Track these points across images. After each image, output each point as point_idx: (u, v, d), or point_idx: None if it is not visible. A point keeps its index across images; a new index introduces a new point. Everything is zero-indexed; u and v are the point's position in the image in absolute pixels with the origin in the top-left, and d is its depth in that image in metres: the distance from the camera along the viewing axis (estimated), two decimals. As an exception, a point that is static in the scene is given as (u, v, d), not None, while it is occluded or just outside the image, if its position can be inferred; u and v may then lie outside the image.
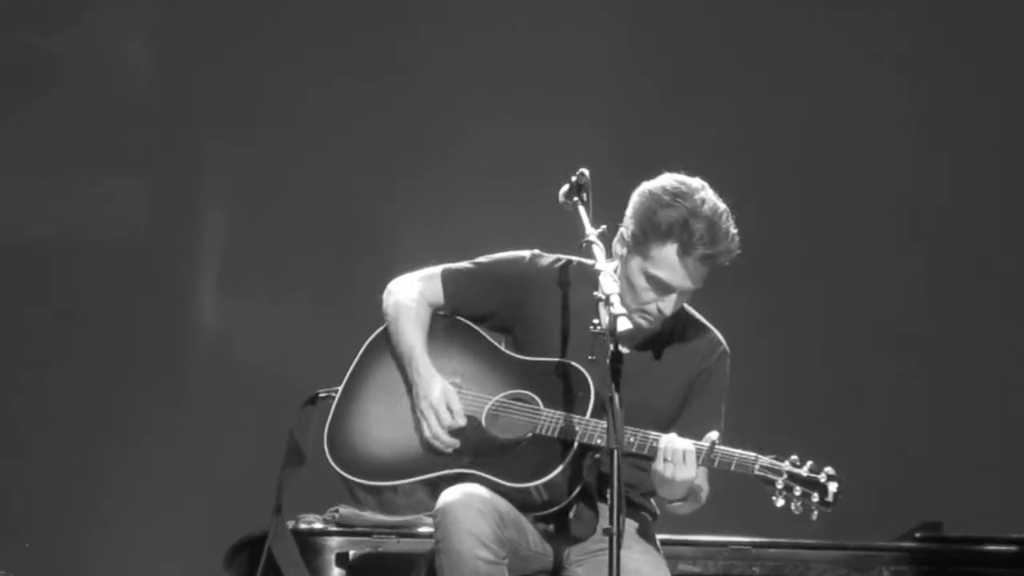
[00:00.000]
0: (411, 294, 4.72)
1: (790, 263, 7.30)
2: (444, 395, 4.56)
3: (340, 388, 4.71)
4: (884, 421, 7.17)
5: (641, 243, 4.53)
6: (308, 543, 5.30)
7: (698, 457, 4.37)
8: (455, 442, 4.53)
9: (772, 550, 5.57)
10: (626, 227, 4.58)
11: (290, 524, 5.26)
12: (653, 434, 4.40)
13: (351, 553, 5.32)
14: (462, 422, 4.54)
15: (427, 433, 4.54)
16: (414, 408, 4.61)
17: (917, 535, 5.73)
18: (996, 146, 7.39)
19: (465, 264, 4.77)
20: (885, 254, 7.40)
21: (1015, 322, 7.33)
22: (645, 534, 4.68)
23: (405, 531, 5.21)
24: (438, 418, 4.53)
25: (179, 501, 6.91)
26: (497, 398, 4.58)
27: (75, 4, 7.26)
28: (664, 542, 4.79)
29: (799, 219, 7.33)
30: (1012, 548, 5.68)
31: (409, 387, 4.65)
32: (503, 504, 4.42)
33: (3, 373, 7.00)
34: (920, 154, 7.39)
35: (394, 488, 4.55)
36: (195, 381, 7.16)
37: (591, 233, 4.47)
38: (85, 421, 7.02)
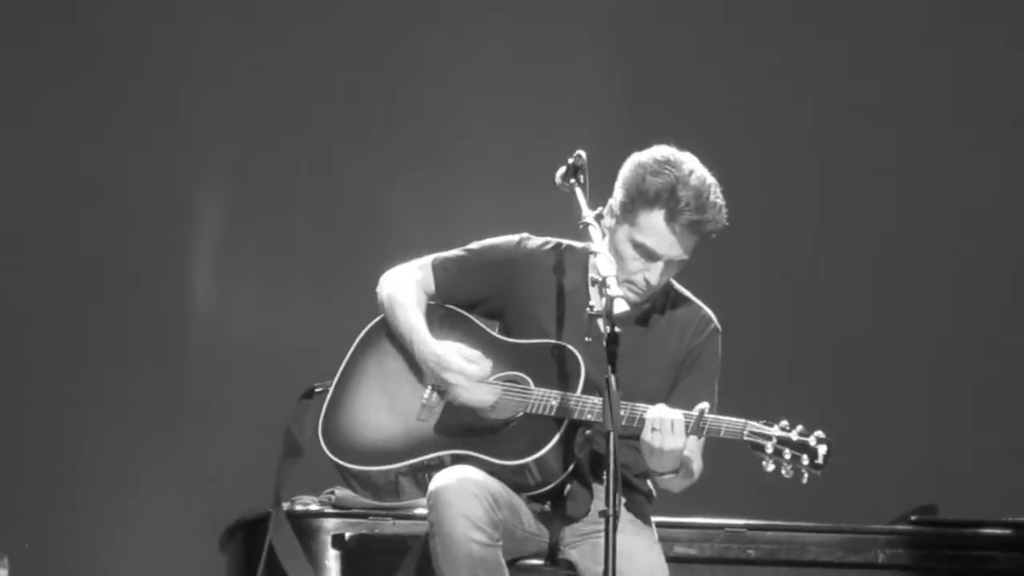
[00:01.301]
0: (406, 282, 4.73)
1: (790, 244, 7.31)
2: (459, 354, 4.57)
3: (335, 379, 4.72)
4: (879, 405, 7.18)
5: (628, 210, 4.55)
6: (304, 525, 5.30)
7: (687, 426, 4.36)
8: (496, 389, 4.53)
9: (768, 533, 5.57)
10: (615, 197, 4.60)
11: (286, 506, 5.27)
12: (642, 406, 4.40)
13: (347, 535, 5.31)
14: (488, 366, 4.54)
15: (463, 396, 4.53)
16: (414, 390, 4.63)
17: (912, 518, 5.72)
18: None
19: (455, 252, 4.78)
20: (887, 240, 7.41)
21: (1012, 307, 7.34)
22: (640, 516, 4.68)
23: (401, 513, 5.21)
24: (464, 375, 4.54)
25: (176, 488, 6.92)
26: (489, 380, 4.59)
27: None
28: (659, 524, 4.79)
29: (805, 200, 7.34)
30: (1007, 531, 5.68)
31: (411, 369, 4.67)
32: (497, 486, 4.43)
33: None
34: (910, 142, 7.41)
35: (388, 472, 4.56)
36: (192, 369, 7.17)
37: (588, 215, 4.48)
38: (80, 409, 7.03)
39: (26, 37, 7.18)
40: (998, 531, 5.69)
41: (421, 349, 4.62)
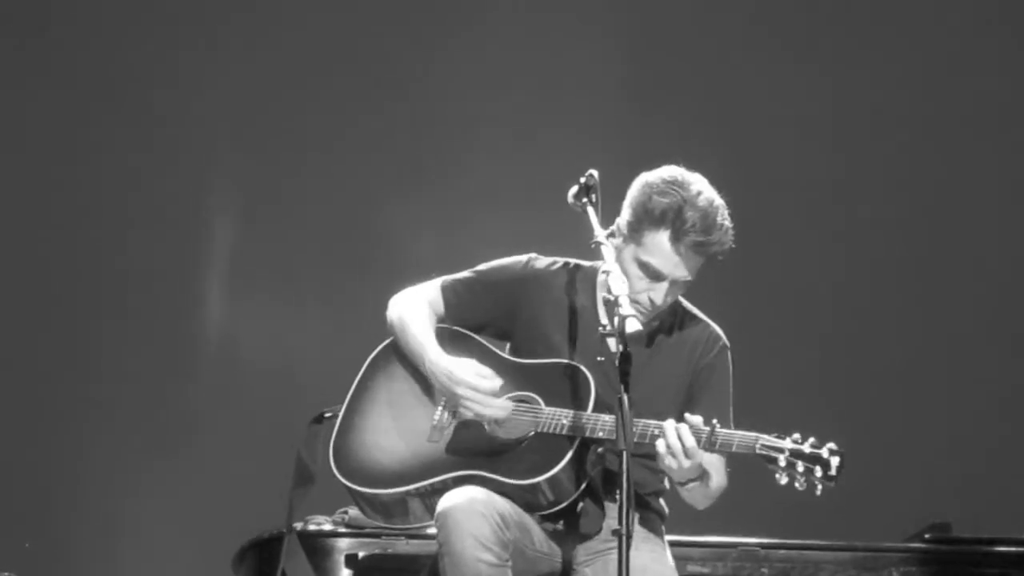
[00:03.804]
0: (416, 303, 4.74)
1: (804, 258, 7.31)
2: (471, 370, 4.57)
3: (345, 402, 4.72)
4: (893, 422, 7.17)
5: (635, 230, 4.55)
6: (317, 544, 5.32)
7: (699, 441, 4.35)
8: (508, 405, 4.53)
9: (781, 551, 5.57)
10: (622, 216, 4.60)
11: (299, 526, 5.28)
12: (654, 423, 4.39)
13: (360, 554, 5.33)
14: (499, 383, 4.54)
15: (475, 410, 4.53)
16: (424, 411, 4.63)
17: (926, 536, 5.73)
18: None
19: (463, 274, 4.79)
20: (904, 255, 7.40)
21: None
22: (653, 534, 4.68)
23: (414, 532, 5.21)
24: (476, 390, 4.54)
25: (186, 504, 6.93)
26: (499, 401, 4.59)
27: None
28: (673, 543, 4.79)
29: (821, 213, 7.33)
30: (1021, 549, 5.68)
31: (421, 391, 4.67)
32: (506, 506, 4.42)
33: (9, 375, 7.00)
34: (909, 146, 7.41)
35: (399, 495, 4.55)
36: (203, 385, 7.18)
37: (600, 234, 4.49)
38: (92, 424, 7.04)
39: (37, 50, 7.21)
40: (1012, 549, 5.69)
41: (432, 366, 4.62)
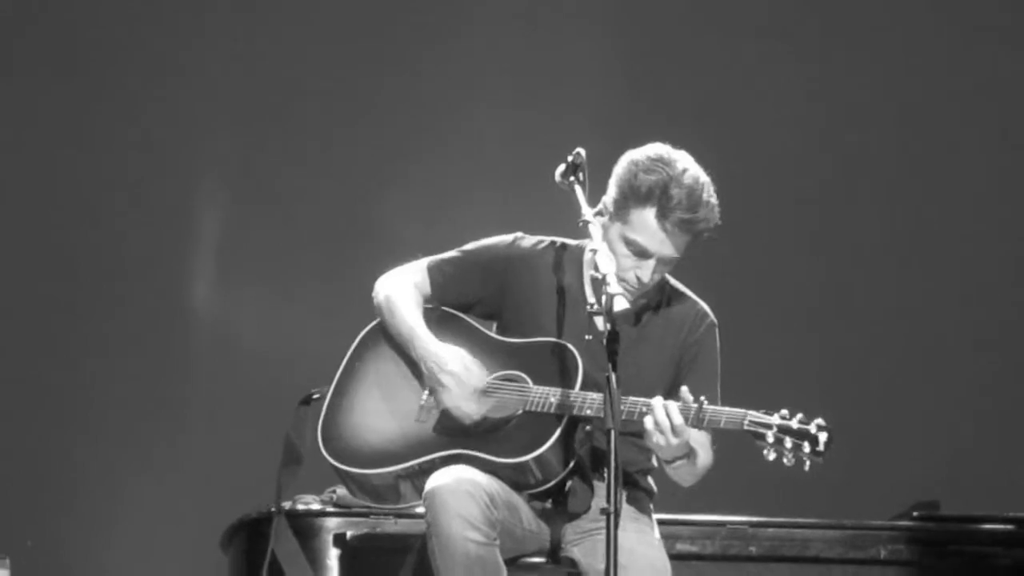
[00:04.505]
0: (403, 284, 4.73)
1: (792, 236, 7.31)
2: (460, 359, 4.56)
3: (332, 384, 4.72)
4: (881, 401, 7.18)
5: (621, 207, 4.54)
6: (306, 524, 5.31)
7: (687, 419, 4.35)
8: (480, 409, 4.54)
9: (770, 529, 5.57)
10: (608, 194, 4.60)
11: (287, 505, 5.28)
12: (642, 400, 4.39)
13: (348, 534, 5.32)
14: (482, 384, 4.54)
15: (449, 402, 4.54)
16: (411, 392, 4.63)
17: (914, 514, 5.73)
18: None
19: (450, 253, 4.78)
20: (890, 233, 7.41)
21: (1016, 302, 7.33)
22: (642, 513, 4.68)
23: (403, 512, 5.19)
24: (459, 384, 4.54)
25: (178, 488, 6.93)
26: (487, 380, 4.59)
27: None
28: (661, 522, 4.80)
29: (807, 191, 7.34)
30: (1008, 527, 5.69)
31: (409, 372, 4.66)
32: (494, 485, 4.42)
33: (2, 361, 7.00)
34: (900, 125, 7.41)
35: (387, 475, 4.55)
36: (192, 371, 7.17)
37: (588, 213, 4.48)
38: (85, 408, 7.04)
39: (25, 33, 7.18)
40: (1000, 527, 5.70)
41: (422, 350, 4.62)
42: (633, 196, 4.52)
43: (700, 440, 4.50)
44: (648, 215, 4.51)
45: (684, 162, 4.54)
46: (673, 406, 4.35)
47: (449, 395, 4.55)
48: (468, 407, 4.55)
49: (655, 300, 4.69)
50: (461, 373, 4.55)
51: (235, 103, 7.25)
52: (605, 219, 4.59)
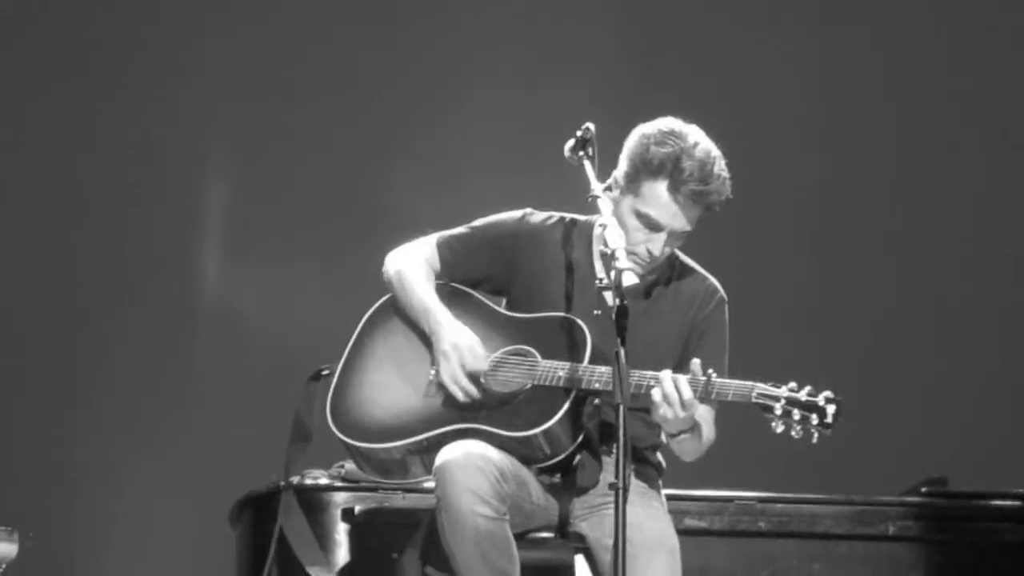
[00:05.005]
0: (414, 260, 4.73)
1: (800, 209, 7.31)
2: (470, 340, 4.56)
3: (342, 359, 4.71)
4: (891, 377, 7.18)
5: (632, 181, 4.54)
6: (314, 499, 5.32)
7: (695, 391, 4.33)
8: (473, 390, 4.52)
9: (778, 505, 5.57)
10: (619, 168, 4.60)
11: (296, 480, 5.28)
12: (650, 373, 4.38)
13: (357, 508, 5.33)
14: (484, 367, 4.53)
15: (445, 376, 4.53)
16: (421, 367, 4.62)
17: (923, 490, 5.73)
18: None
19: (459, 229, 4.78)
20: (898, 206, 7.40)
21: (1020, 274, 7.34)
22: (650, 488, 4.67)
23: (411, 486, 5.20)
24: (461, 360, 4.53)
25: (186, 461, 6.94)
26: (496, 355, 4.58)
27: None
28: (670, 497, 4.80)
29: (816, 163, 7.33)
30: (1017, 503, 5.69)
31: (420, 346, 4.65)
32: (504, 460, 4.42)
33: (9, 340, 7.01)
34: (907, 95, 7.41)
35: (396, 449, 4.54)
36: (202, 346, 7.18)
37: (597, 188, 4.48)
38: (93, 386, 7.05)
39: (29, 9, 7.19)
40: (1009, 503, 5.69)
41: (436, 325, 4.60)
42: (645, 169, 4.52)
43: (704, 416, 4.49)
44: (660, 188, 4.51)
45: (695, 135, 4.55)
46: (682, 379, 4.34)
47: (448, 367, 4.53)
48: (463, 381, 4.53)
49: (665, 275, 4.69)
50: (465, 350, 4.54)
51: (241, 83, 7.26)
52: (616, 193, 4.59)
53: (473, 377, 4.53)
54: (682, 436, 4.44)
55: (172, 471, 6.93)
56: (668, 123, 4.57)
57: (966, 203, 7.37)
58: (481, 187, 6.95)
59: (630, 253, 4.46)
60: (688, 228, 4.56)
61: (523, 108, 7.17)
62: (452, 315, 4.62)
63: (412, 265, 4.71)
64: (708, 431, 4.53)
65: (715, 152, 4.54)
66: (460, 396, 4.53)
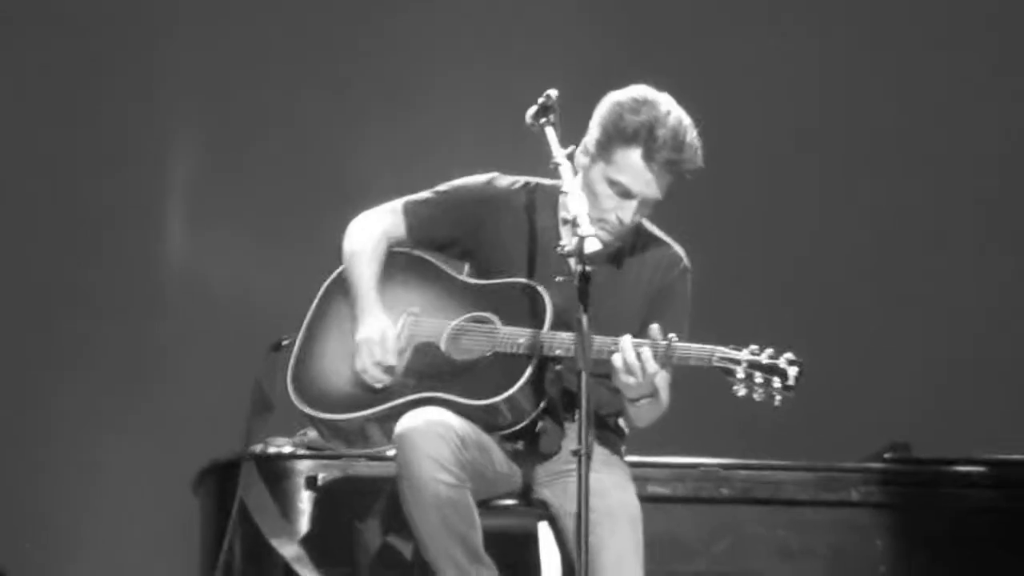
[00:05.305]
0: (370, 233, 4.73)
1: (768, 179, 7.31)
2: (380, 332, 4.56)
3: (302, 329, 4.71)
4: (853, 342, 7.19)
5: (604, 148, 4.53)
6: (277, 467, 5.30)
7: (656, 355, 4.33)
8: (384, 377, 4.54)
9: (742, 472, 5.57)
10: (590, 135, 4.59)
11: (258, 448, 5.27)
12: (611, 339, 4.37)
13: (320, 476, 5.31)
14: (392, 360, 4.54)
15: (357, 366, 4.55)
16: None
17: (886, 456, 5.74)
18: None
19: (424, 194, 4.78)
20: (865, 179, 7.42)
21: (988, 243, 7.35)
22: (613, 454, 4.68)
23: (374, 455, 5.19)
24: (370, 351, 4.54)
25: (151, 434, 6.92)
26: (455, 323, 4.58)
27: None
28: (633, 463, 4.78)
29: (787, 132, 7.34)
30: (981, 469, 5.70)
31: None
32: (465, 427, 4.41)
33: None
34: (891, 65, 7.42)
35: (356, 420, 4.54)
36: (163, 318, 7.17)
37: (559, 155, 4.45)
38: (50, 358, 7.03)
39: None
40: (971, 468, 5.71)
41: (358, 309, 4.62)
42: (618, 136, 4.51)
43: (661, 382, 4.47)
44: (634, 155, 4.50)
45: (668, 103, 4.54)
46: (643, 343, 4.34)
47: (359, 360, 4.55)
48: (369, 376, 4.54)
49: (630, 243, 4.68)
50: (375, 343, 4.53)
51: (208, 54, 7.22)
52: (586, 160, 4.58)
53: (386, 368, 4.53)
54: (641, 402, 4.44)
55: (135, 440, 6.91)
56: (641, 91, 4.56)
57: (935, 178, 7.38)
58: (447, 156, 6.93)
59: (600, 220, 4.47)
60: (659, 196, 4.56)
61: (490, 80, 7.15)
62: (406, 284, 4.62)
63: (363, 242, 4.71)
64: (664, 396, 4.52)
65: (687, 120, 4.54)
66: (374, 384, 4.53)
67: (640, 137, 4.49)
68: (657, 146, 4.48)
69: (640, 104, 4.52)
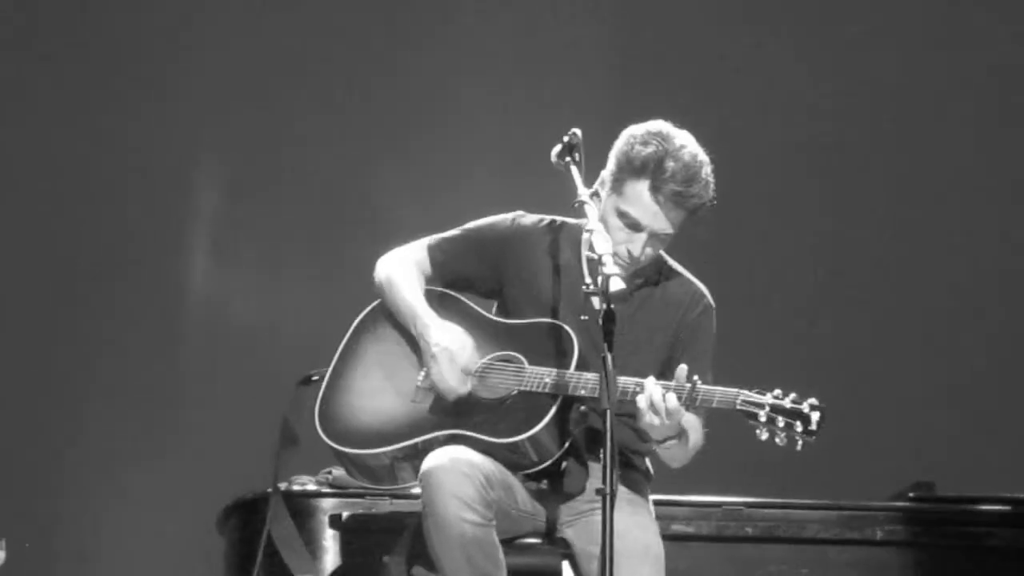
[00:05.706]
0: (404, 263, 4.74)
1: (790, 216, 7.30)
2: (460, 340, 4.57)
3: (331, 365, 4.72)
4: (877, 381, 7.17)
5: (616, 180, 4.56)
6: (301, 505, 5.30)
7: (680, 399, 4.33)
8: (462, 390, 4.53)
9: (765, 510, 5.56)
10: (607, 167, 4.61)
11: (283, 486, 5.28)
12: (635, 380, 4.37)
13: (344, 515, 5.32)
14: (474, 367, 4.54)
15: (434, 377, 4.53)
16: (409, 372, 4.62)
17: (910, 495, 5.73)
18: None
19: (451, 232, 4.79)
20: (889, 213, 7.40)
21: (1013, 283, 7.33)
22: (637, 494, 4.67)
23: (398, 492, 5.18)
24: (452, 359, 4.53)
25: (174, 470, 6.92)
26: (483, 361, 4.59)
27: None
28: (657, 502, 4.80)
29: (804, 171, 7.33)
30: (1005, 507, 5.68)
31: (409, 351, 4.66)
32: (490, 465, 4.42)
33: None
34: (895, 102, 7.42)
35: (383, 455, 4.55)
36: (189, 352, 7.18)
37: (583, 193, 4.47)
38: (76, 391, 7.04)
39: (21, 15, 7.18)
40: (996, 507, 5.69)
41: (421, 326, 4.61)
42: (628, 168, 4.52)
43: (692, 422, 4.49)
44: (641, 187, 4.52)
45: (683, 139, 4.55)
46: (667, 385, 4.34)
47: (437, 368, 4.54)
48: (453, 382, 4.53)
49: (652, 279, 4.69)
50: (455, 350, 4.54)
51: (233, 84, 7.24)
52: (603, 193, 4.59)
53: (463, 376, 4.53)
54: (668, 443, 4.43)
55: (160, 476, 6.91)
56: (657, 125, 4.58)
57: (955, 208, 7.37)
58: (470, 190, 6.95)
59: (612, 254, 4.44)
60: (670, 231, 4.55)
61: (515, 110, 7.17)
62: (440, 318, 4.63)
63: (402, 270, 4.72)
64: (696, 437, 4.52)
65: (702, 157, 4.54)
66: (449, 397, 4.52)
67: (648, 169, 4.50)
68: (665, 178, 4.48)
69: (652, 136, 4.53)
